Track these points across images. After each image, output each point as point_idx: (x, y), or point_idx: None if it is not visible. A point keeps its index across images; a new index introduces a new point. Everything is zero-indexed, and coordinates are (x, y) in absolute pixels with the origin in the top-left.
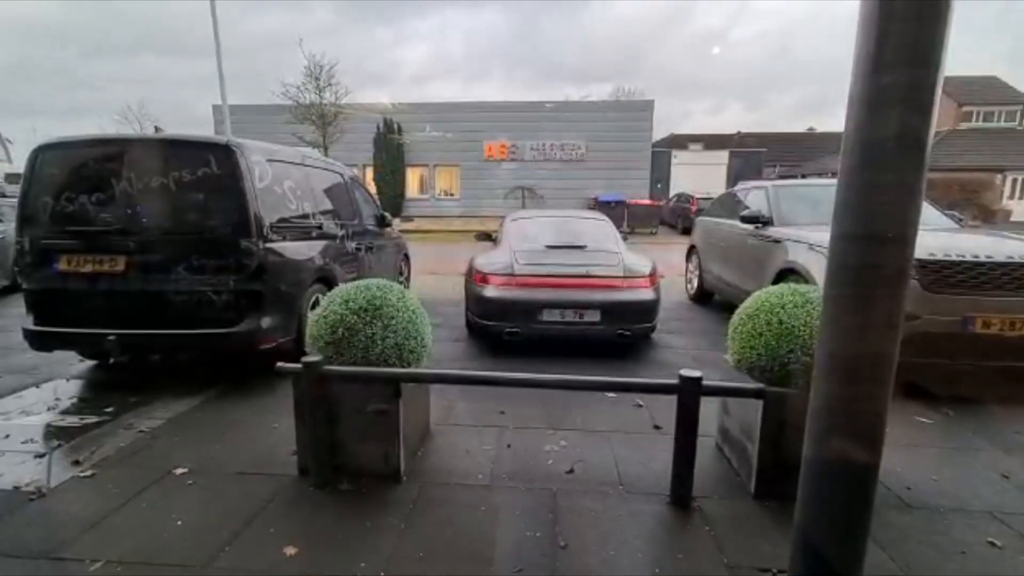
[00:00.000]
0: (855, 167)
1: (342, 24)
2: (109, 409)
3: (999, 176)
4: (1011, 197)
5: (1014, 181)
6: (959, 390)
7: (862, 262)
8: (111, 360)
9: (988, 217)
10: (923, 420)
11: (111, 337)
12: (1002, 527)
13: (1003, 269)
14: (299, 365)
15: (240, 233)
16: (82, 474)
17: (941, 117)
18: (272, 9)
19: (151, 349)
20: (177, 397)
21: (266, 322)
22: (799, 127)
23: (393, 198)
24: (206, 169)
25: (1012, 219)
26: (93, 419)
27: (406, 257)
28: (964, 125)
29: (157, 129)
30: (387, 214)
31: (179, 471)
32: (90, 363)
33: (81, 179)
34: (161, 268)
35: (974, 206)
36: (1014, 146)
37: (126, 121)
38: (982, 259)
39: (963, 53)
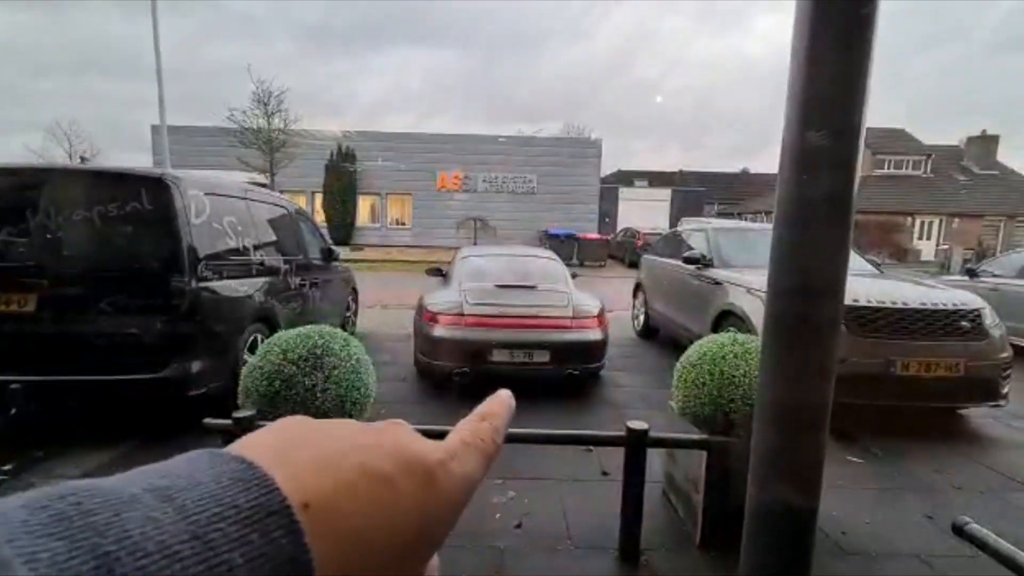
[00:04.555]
0: (788, 226)
1: (302, 55)
2: (7, 467)
3: (909, 219)
4: (920, 238)
5: (922, 223)
6: (885, 430)
7: (796, 314)
8: (12, 411)
9: (901, 256)
10: (854, 460)
11: (14, 385)
12: (928, 570)
13: (920, 315)
14: (229, 421)
15: (170, 271)
16: None
17: None
18: (234, 37)
19: (64, 397)
20: (90, 450)
21: (196, 366)
22: (735, 167)
23: (343, 226)
24: (136, 204)
25: (922, 258)
26: None
27: (354, 291)
28: (878, 172)
29: (83, 159)
30: (334, 248)
31: None
32: None
33: None
34: (79, 308)
35: (889, 246)
36: (921, 192)
37: (54, 139)
38: (900, 305)
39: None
